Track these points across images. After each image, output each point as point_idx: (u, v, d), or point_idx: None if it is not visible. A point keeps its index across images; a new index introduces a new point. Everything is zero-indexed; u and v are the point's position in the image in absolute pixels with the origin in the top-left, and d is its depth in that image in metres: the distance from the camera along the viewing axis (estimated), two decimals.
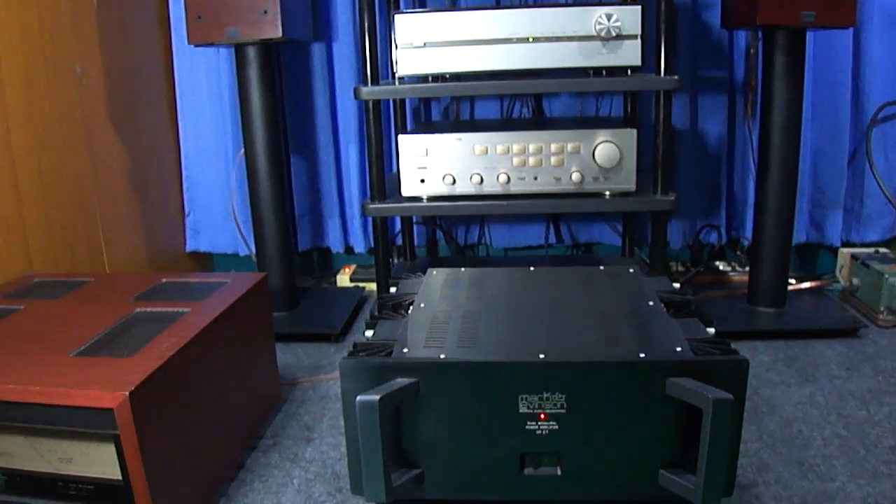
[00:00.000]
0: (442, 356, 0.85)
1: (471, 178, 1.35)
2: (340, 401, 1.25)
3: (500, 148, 1.34)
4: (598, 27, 1.27)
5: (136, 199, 1.65)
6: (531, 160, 1.34)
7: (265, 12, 1.38)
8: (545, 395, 0.84)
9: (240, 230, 1.79)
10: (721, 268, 1.74)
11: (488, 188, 1.35)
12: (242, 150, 1.52)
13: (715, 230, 1.79)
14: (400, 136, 1.35)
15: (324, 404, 1.27)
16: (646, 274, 1.15)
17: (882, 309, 1.51)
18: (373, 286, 1.72)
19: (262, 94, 1.47)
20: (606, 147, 1.32)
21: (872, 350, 1.42)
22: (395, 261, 1.81)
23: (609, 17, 1.27)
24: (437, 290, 1.08)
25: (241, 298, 1.10)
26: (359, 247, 1.83)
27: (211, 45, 1.44)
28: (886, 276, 1.50)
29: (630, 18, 1.28)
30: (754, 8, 1.33)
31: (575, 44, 1.29)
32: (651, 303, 1.01)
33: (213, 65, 1.75)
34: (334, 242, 1.84)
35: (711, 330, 0.94)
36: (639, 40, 1.29)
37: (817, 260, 1.84)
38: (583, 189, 1.34)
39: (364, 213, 1.38)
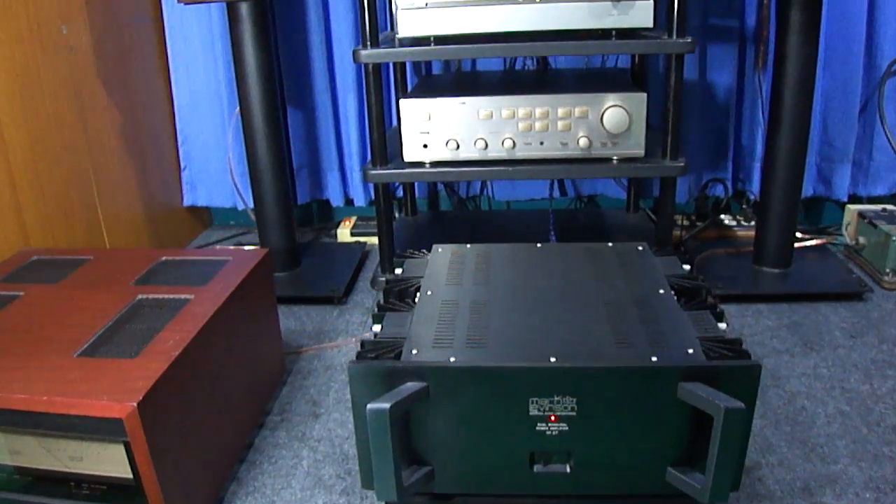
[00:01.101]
0: (451, 359, 0.84)
1: (475, 143, 1.31)
2: (345, 372, 1.26)
3: (505, 112, 1.29)
4: None
5: (131, 156, 1.61)
6: (537, 125, 1.30)
7: None
8: (556, 399, 0.83)
9: (237, 189, 1.75)
10: (726, 222, 1.72)
11: (493, 153, 1.31)
12: (238, 109, 1.47)
13: (721, 183, 1.76)
14: (401, 101, 1.30)
15: (329, 375, 1.27)
16: (654, 251, 1.13)
17: (888, 270, 1.50)
18: (374, 240, 1.70)
19: (257, 52, 1.41)
20: (615, 112, 1.28)
21: (877, 315, 1.41)
22: (397, 215, 1.78)
23: None
24: (443, 274, 1.06)
25: (244, 281, 1.08)
26: (359, 200, 1.80)
27: (202, 2, 1.37)
28: (894, 238, 1.48)
29: None
30: None
31: (584, 4, 1.22)
32: (661, 291, 0.99)
33: (204, 16, 1.67)
34: (334, 195, 1.80)
35: (723, 325, 0.93)
36: (650, 1, 1.23)
37: (823, 212, 1.82)
38: (590, 154, 1.31)
39: (365, 179, 1.34)
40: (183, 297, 1.04)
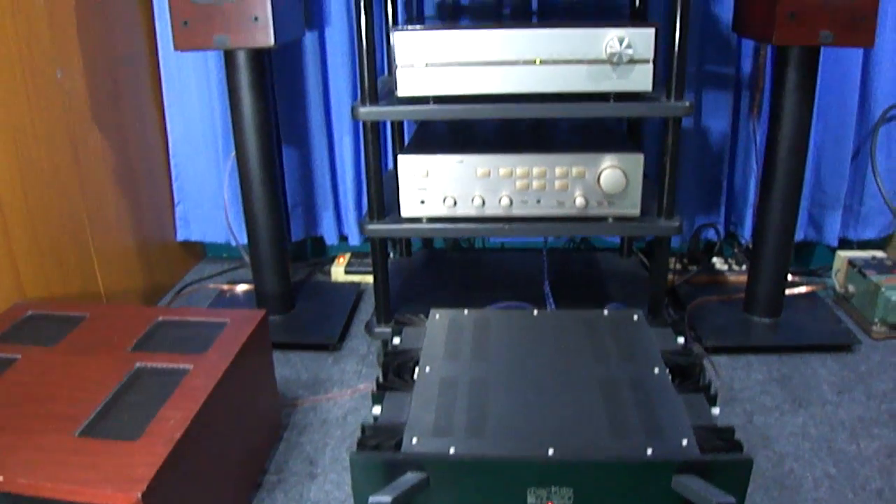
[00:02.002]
0: (451, 450, 0.86)
1: (472, 200, 1.32)
2: (341, 431, 1.27)
3: (502, 171, 1.30)
4: (609, 51, 1.22)
5: (124, 194, 1.61)
6: (535, 184, 1.31)
7: (256, 19, 1.30)
8: (553, 489, 0.85)
9: (231, 230, 1.75)
10: (718, 266, 1.74)
11: (490, 210, 1.32)
12: (234, 153, 1.46)
13: (713, 227, 1.78)
14: (400, 157, 1.30)
15: (325, 431, 1.27)
16: (648, 316, 1.15)
17: (876, 321, 1.52)
18: (368, 279, 1.71)
19: (254, 99, 1.40)
20: (612, 172, 1.29)
21: (864, 368, 1.44)
22: (392, 255, 1.79)
23: (621, 41, 1.21)
24: (441, 347, 1.07)
25: (242, 348, 1.09)
26: (353, 239, 1.80)
27: (198, 50, 1.36)
28: (883, 289, 1.50)
29: (642, 42, 1.22)
30: (770, 26, 1.27)
31: (584, 67, 1.23)
32: (656, 370, 1.01)
33: (200, 56, 1.66)
34: (328, 233, 1.81)
35: (716, 410, 0.95)
36: (651, 64, 1.23)
37: (813, 255, 1.84)
38: (586, 213, 1.32)
39: (362, 232, 1.35)
40: (182, 366, 1.04)
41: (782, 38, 1.28)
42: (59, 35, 1.40)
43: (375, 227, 1.34)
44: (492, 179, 1.31)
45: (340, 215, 1.80)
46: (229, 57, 1.39)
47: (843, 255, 1.66)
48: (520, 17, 1.53)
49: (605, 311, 1.17)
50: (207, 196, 1.78)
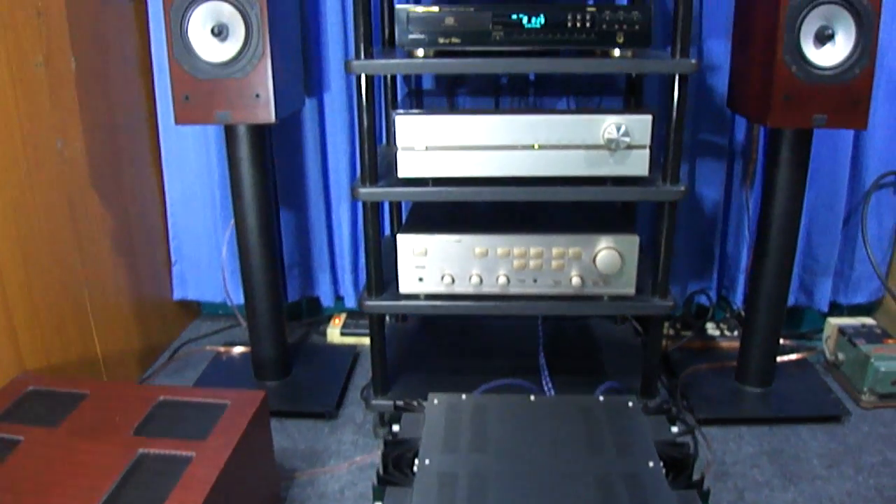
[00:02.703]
0: None
1: (470, 278, 1.33)
2: (338, 501, 1.29)
3: (500, 251, 1.32)
4: (606, 137, 1.24)
5: (122, 257, 1.62)
6: (532, 263, 1.32)
7: (257, 96, 1.32)
8: None
9: (228, 294, 1.76)
10: (710, 331, 1.76)
11: (487, 288, 1.34)
12: (233, 222, 1.48)
13: (705, 294, 1.80)
14: (399, 235, 1.32)
15: None
16: (640, 402, 1.16)
17: (865, 390, 1.55)
18: (365, 341, 1.72)
19: (254, 171, 1.42)
20: (608, 254, 1.31)
21: (853, 440, 1.46)
22: (388, 319, 1.80)
23: (619, 128, 1.23)
24: (440, 437, 1.08)
25: (244, 434, 1.10)
26: (350, 301, 1.81)
27: (199, 124, 1.38)
28: (872, 360, 1.53)
29: (640, 128, 1.24)
30: (765, 108, 1.30)
31: (581, 152, 1.25)
32: (651, 463, 1.02)
33: None
34: (325, 295, 1.82)
35: None
36: (647, 150, 1.26)
37: (803, 319, 1.86)
38: (582, 292, 1.33)
39: (361, 308, 1.36)
40: (184, 454, 1.05)
41: (777, 121, 1.31)
42: (60, 105, 1.42)
43: (374, 303, 1.35)
44: (489, 258, 1.32)
45: (337, 277, 1.81)
46: (230, 130, 1.40)
47: (834, 322, 1.68)
48: (518, 93, 1.56)
49: (601, 397, 1.18)
50: (204, 256, 1.79)
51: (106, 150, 1.56)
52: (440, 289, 1.34)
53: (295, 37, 1.52)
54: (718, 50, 1.61)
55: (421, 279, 1.34)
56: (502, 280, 1.33)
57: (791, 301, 1.77)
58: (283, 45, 1.39)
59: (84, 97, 1.48)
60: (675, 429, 1.13)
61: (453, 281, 1.34)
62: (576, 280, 1.33)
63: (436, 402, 1.17)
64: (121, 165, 1.62)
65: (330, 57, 1.64)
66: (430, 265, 1.33)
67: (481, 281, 1.34)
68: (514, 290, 1.34)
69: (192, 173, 1.74)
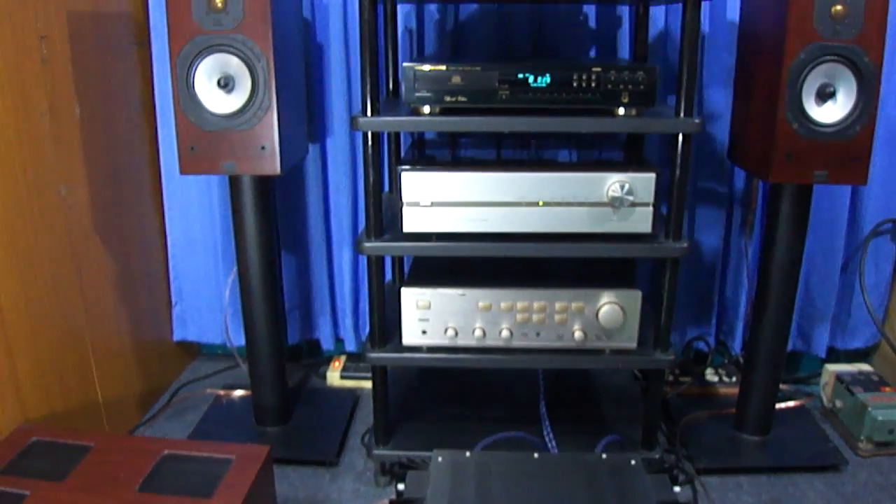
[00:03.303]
0: None
1: (473, 331, 1.34)
2: None
3: (503, 304, 1.33)
4: (610, 195, 1.25)
5: (124, 301, 1.62)
6: (535, 317, 1.33)
7: (263, 148, 1.33)
8: None
9: (228, 336, 1.76)
10: (709, 377, 1.77)
11: (490, 342, 1.34)
12: (235, 269, 1.48)
13: (704, 341, 1.81)
14: (403, 289, 1.32)
15: None
16: (642, 457, 1.17)
17: (862, 438, 1.56)
18: (365, 385, 1.72)
19: (257, 220, 1.42)
20: (611, 309, 1.32)
21: (850, 490, 1.46)
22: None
23: (623, 186, 1.24)
24: (445, 498, 1.08)
25: (248, 492, 1.10)
26: (350, 345, 1.81)
27: (204, 174, 1.38)
28: (870, 408, 1.54)
29: (643, 187, 1.26)
30: (766, 165, 1.31)
31: (585, 209, 1.26)
32: None
33: None
34: (325, 338, 1.82)
35: None
36: (651, 208, 1.27)
37: (801, 363, 1.87)
38: (584, 346, 1.34)
39: (363, 360, 1.36)
40: None
41: (778, 178, 1.32)
42: (64, 153, 1.42)
43: (377, 355, 1.36)
44: (493, 312, 1.33)
45: (337, 319, 1.82)
46: (234, 180, 1.41)
47: (831, 369, 1.69)
48: (520, 143, 1.57)
49: (603, 455, 1.19)
50: (204, 297, 1.79)
51: (109, 195, 1.56)
52: (443, 341, 1.35)
53: (300, 85, 1.53)
54: (718, 98, 1.63)
55: (424, 332, 1.35)
56: (505, 333, 1.34)
57: (789, 346, 1.78)
58: (289, 95, 1.40)
59: (88, 143, 1.48)
60: (677, 489, 1.13)
61: (456, 334, 1.34)
62: (578, 334, 1.33)
63: (440, 459, 1.17)
64: (123, 209, 1.62)
65: (334, 102, 1.66)
66: (434, 318, 1.34)
67: (484, 334, 1.34)
68: (517, 343, 1.35)
69: (194, 215, 1.74)
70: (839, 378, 1.66)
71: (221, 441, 1.40)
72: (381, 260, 1.33)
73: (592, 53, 1.66)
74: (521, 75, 1.23)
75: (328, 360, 1.84)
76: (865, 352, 1.84)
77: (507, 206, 1.27)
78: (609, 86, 1.23)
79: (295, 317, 1.80)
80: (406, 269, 1.60)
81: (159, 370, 1.79)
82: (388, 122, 1.25)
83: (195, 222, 1.75)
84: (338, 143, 1.67)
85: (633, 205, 1.26)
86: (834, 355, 1.83)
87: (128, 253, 1.64)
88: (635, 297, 1.33)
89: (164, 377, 1.81)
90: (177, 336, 1.82)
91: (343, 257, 1.75)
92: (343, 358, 1.83)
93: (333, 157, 1.69)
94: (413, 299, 1.33)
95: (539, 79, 1.23)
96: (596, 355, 1.35)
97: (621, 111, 1.25)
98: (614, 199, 1.25)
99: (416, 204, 1.27)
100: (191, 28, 1.28)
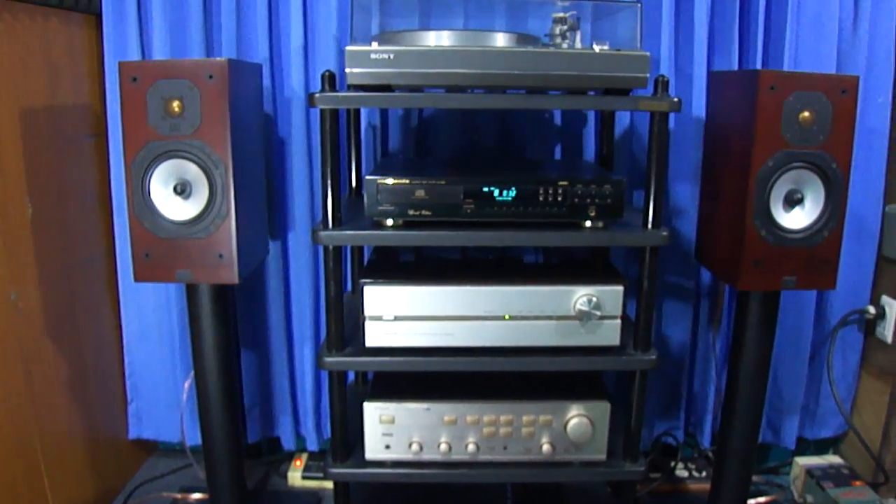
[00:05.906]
0: None
1: (438, 446, 1.30)
2: None
3: (469, 418, 1.29)
4: (578, 309, 1.23)
5: (76, 400, 1.55)
6: (502, 431, 1.30)
7: (220, 256, 1.28)
8: None
9: (184, 436, 1.70)
10: (678, 472, 1.74)
11: (456, 456, 1.30)
12: (192, 374, 1.43)
13: (672, 436, 1.79)
14: (365, 404, 1.28)
15: None
16: None
17: None
18: (327, 485, 1.66)
19: (215, 326, 1.37)
20: (579, 422, 1.29)
21: None
22: None
23: (590, 300, 1.22)
24: None
25: None
26: (311, 444, 1.75)
27: (159, 282, 1.33)
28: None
29: (611, 299, 1.24)
30: (735, 272, 1.30)
31: (553, 323, 1.24)
32: None
33: None
34: (286, 437, 1.76)
35: None
36: (618, 321, 1.25)
37: (769, 454, 1.85)
38: (553, 459, 1.31)
39: (325, 476, 1.31)
40: None
41: (746, 285, 1.30)
42: (14, 256, 1.37)
43: (339, 470, 1.31)
44: (459, 426, 1.29)
45: (299, 419, 1.75)
46: (191, 287, 1.36)
47: (802, 462, 1.68)
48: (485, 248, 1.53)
49: None
50: (162, 394, 1.72)
51: (62, 295, 1.50)
52: (408, 456, 1.31)
53: (260, 186, 1.49)
54: (684, 194, 1.63)
55: (388, 446, 1.30)
56: (472, 448, 1.30)
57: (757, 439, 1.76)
58: (248, 198, 1.36)
59: (40, 244, 1.43)
60: None
61: (421, 448, 1.30)
62: (546, 447, 1.30)
63: None
64: (77, 308, 1.56)
65: (296, 197, 1.62)
66: (398, 432, 1.30)
67: (450, 448, 1.30)
68: (484, 457, 1.31)
69: (150, 310, 1.68)
70: (810, 473, 1.65)
71: None
72: (342, 375, 1.28)
73: (558, 151, 1.65)
74: (486, 188, 1.21)
75: (290, 457, 1.77)
76: (835, 440, 1.83)
77: (473, 319, 1.24)
78: (576, 199, 1.22)
79: (255, 414, 1.74)
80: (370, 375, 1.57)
81: (114, 470, 1.71)
82: (349, 235, 1.22)
83: (152, 317, 1.69)
84: (300, 237, 1.64)
85: (602, 318, 1.24)
86: (803, 444, 1.81)
87: (82, 352, 1.58)
88: (604, 408, 1.30)
89: (119, 477, 1.73)
90: (132, 434, 1.74)
91: (305, 354, 1.70)
92: (305, 456, 1.77)
93: (295, 252, 1.65)
94: (376, 414, 1.29)
95: (505, 192, 1.21)
96: (565, 468, 1.32)
97: (588, 224, 1.24)
98: (582, 312, 1.23)
99: (379, 318, 1.24)
100: (146, 133, 1.24)
